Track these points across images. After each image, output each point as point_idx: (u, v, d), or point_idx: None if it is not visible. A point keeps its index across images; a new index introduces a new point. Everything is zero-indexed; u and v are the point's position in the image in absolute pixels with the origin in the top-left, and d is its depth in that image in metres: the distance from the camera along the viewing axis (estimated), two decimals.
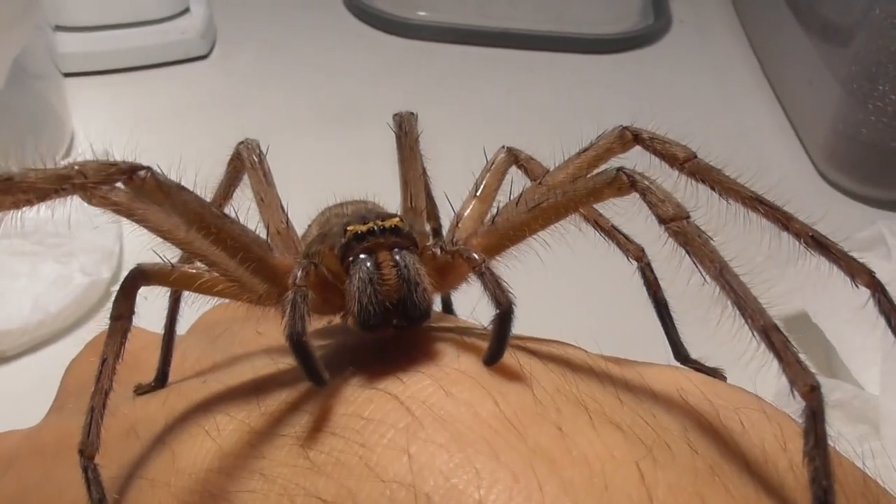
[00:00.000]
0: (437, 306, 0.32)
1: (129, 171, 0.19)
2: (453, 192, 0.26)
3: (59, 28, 0.73)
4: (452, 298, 0.34)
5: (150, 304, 0.24)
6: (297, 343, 0.18)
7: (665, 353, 0.27)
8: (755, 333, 0.17)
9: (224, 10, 0.83)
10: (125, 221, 0.21)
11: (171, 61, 0.78)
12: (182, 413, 0.23)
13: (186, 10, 0.79)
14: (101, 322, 0.41)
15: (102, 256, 0.52)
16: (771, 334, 0.17)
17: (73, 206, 0.20)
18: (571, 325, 0.24)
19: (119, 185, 0.20)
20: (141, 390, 0.27)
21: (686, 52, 0.81)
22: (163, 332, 0.28)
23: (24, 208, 0.19)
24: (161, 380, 0.28)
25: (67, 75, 0.68)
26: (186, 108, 0.72)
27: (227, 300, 0.23)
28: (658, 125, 0.23)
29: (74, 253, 0.52)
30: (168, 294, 0.28)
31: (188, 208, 0.20)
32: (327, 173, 0.25)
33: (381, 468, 0.17)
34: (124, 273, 0.22)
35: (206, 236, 0.20)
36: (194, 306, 0.26)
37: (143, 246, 0.21)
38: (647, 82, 0.76)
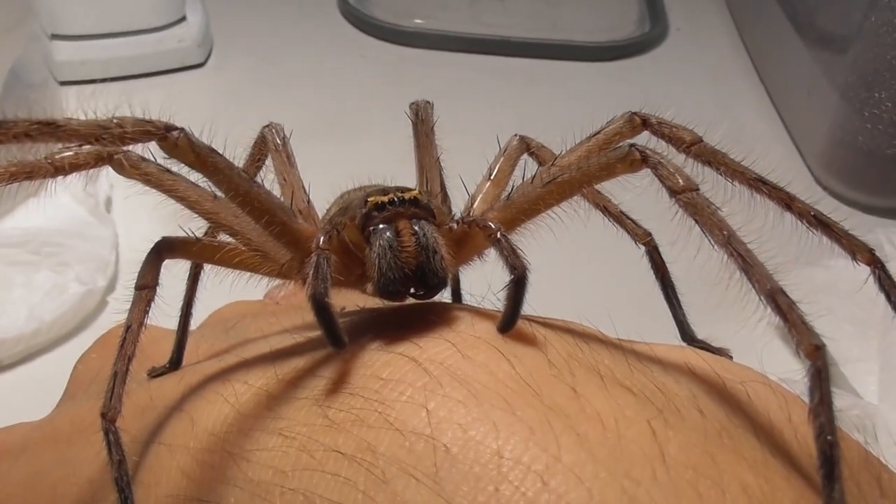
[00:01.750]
0: (446, 297, 0.34)
1: (165, 129, 0.21)
2: (467, 179, 0.28)
3: (55, 37, 0.75)
4: (461, 292, 0.35)
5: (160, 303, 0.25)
6: (320, 303, 0.19)
7: (673, 337, 0.28)
8: (762, 297, 0.19)
9: (220, 18, 0.85)
10: (119, 228, 0.22)
11: (168, 70, 0.79)
12: (199, 384, 0.24)
13: (183, 19, 0.80)
14: (97, 330, 0.42)
15: (98, 266, 0.53)
16: (777, 297, 0.18)
17: (68, 216, 0.21)
18: (582, 308, 0.25)
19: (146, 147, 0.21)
20: (155, 373, 0.29)
21: (683, 59, 0.84)
22: (180, 312, 0.29)
23: (55, 178, 0.21)
24: (176, 363, 0.29)
25: (63, 83, 0.69)
26: (182, 117, 0.73)
27: (247, 273, 0.24)
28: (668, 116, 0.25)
29: (69, 262, 0.53)
30: (186, 277, 0.29)
31: (218, 170, 0.22)
32: (326, 181, 0.26)
33: (399, 422, 0.19)
34: (119, 283, 0.23)
35: (234, 199, 0.22)
36: (211, 293, 0.28)
37: (139, 256, 0.23)
38: (644, 90, 0.78)
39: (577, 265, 0.52)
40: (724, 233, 0.20)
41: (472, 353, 0.20)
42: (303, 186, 0.28)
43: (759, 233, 0.21)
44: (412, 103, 0.29)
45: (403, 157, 0.30)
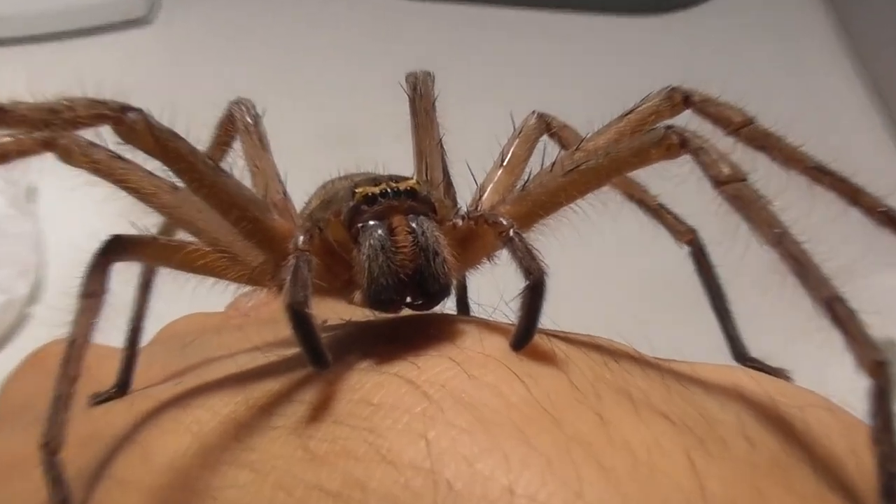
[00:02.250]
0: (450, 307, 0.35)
1: (121, 111, 0.22)
2: (475, 165, 0.29)
3: None
4: (468, 301, 0.36)
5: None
6: (299, 314, 0.21)
7: (722, 354, 0.29)
8: (817, 305, 0.20)
9: None
10: (41, 238, 0.24)
11: (106, 25, 0.81)
12: (153, 412, 0.25)
13: None
14: (18, 350, 0.43)
15: (19, 271, 0.55)
16: (835, 305, 0.20)
17: None
18: (611, 320, 0.27)
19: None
20: (99, 398, 0.30)
21: (747, 10, 0.84)
22: (128, 325, 0.30)
23: None
24: (123, 386, 0.30)
25: None
26: (125, 84, 0.75)
27: (212, 278, 0.26)
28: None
29: None
30: (135, 283, 0.30)
31: (180, 157, 0.23)
32: (306, 168, 0.27)
33: (394, 454, 0.20)
34: (44, 291, 0.25)
35: (198, 191, 0.23)
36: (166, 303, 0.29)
37: (72, 258, 0.24)
38: (698, 48, 0.78)
39: (605, 269, 0.53)
40: (776, 230, 0.21)
41: (479, 374, 0.21)
42: (278, 175, 0.29)
43: (817, 230, 0.22)
44: (409, 74, 0.31)
45: (399, 133, 0.32)
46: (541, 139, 0.30)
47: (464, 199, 0.30)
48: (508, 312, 0.24)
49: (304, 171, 0.30)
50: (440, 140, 0.30)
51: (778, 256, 0.21)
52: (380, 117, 0.33)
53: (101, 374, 0.31)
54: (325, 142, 0.65)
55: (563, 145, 0.29)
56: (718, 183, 0.22)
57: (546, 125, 0.30)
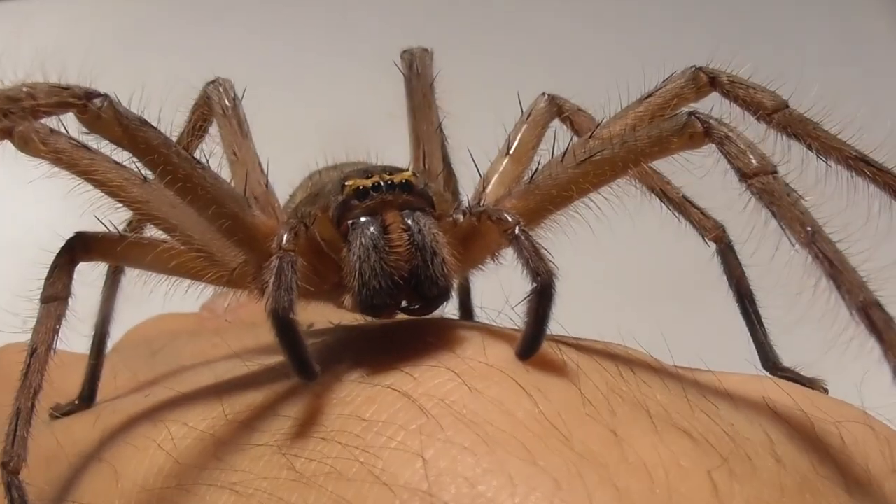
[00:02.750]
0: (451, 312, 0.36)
1: (85, 98, 0.23)
2: (479, 152, 0.30)
3: None
4: (472, 305, 0.37)
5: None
6: (283, 321, 0.21)
7: (749, 363, 0.30)
8: (852, 311, 0.21)
9: None
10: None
11: None
12: (121, 427, 0.26)
13: None
14: None
15: None
16: (871, 312, 0.21)
17: None
18: (628, 325, 0.28)
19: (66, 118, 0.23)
20: (60, 410, 0.31)
21: None
22: (93, 331, 0.31)
23: None
24: (87, 397, 0.31)
25: None
26: (84, 57, 0.76)
27: (186, 278, 0.27)
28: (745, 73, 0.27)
29: None
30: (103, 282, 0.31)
31: (151, 147, 0.24)
32: (289, 155, 0.28)
33: (388, 475, 0.20)
34: None
35: (171, 184, 0.24)
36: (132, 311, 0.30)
37: (26, 257, 0.25)
38: (732, 14, 0.78)
39: (622, 268, 0.53)
40: (808, 228, 0.22)
41: (482, 386, 0.22)
42: (259, 164, 0.30)
43: (855, 226, 0.23)
44: (404, 52, 0.31)
45: (394, 116, 0.32)
46: (551, 124, 0.30)
47: (466, 190, 0.31)
48: (515, 317, 0.25)
49: (289, 158, 0.31)
50: (439, 125, 0.31)
51: (809, 257, 0.22)
52: (373, 98, 0.33)
53: (64, 383, 0.32)
54: (312, 125, 0.65)
55: (576, 131, 0.30)
56: (745, 176, 0.23)
57: (557, 109, 0.30)
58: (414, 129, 0.31)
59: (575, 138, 0.27)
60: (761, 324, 0.30)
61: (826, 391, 0.29)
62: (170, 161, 0.24)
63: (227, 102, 0.31)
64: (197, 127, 0.32)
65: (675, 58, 0.28)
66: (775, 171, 0.23)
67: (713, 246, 0.30)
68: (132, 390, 0.31)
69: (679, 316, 0.46)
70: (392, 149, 0.31)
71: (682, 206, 0.30)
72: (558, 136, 0.29)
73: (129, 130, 0.24)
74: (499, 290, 0.28)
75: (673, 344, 0.28)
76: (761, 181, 0.23)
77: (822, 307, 0.22)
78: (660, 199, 0.29)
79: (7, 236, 0.59)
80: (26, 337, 0.25)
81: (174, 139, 0.32)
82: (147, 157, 0.24)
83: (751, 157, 0.23)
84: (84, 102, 0.23)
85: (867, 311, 0.21)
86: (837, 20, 0.81)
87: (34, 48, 0.25)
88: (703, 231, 0.30)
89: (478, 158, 0.30)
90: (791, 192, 0.23)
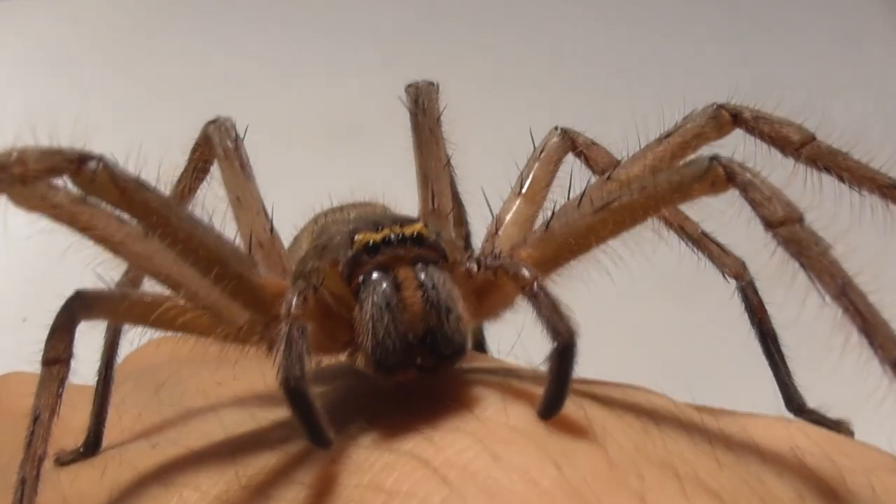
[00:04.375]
0: None
1: (78, 162, 0.23)
2: (490, 189, 0.29)
3: None
4: (485, 332, 0.37)
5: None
6: (295, 391, 0.21)
7: (774, 402, 0.30)
8: (886, 368, 0.21)
9: None
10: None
11: None
12: (129, 487, 0.26)
13: None
14: None
15: None
16: None
17: None
18: (649, 363, 0.27)
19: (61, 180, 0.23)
20: (66, 458, 0.30)
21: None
22: (95, 381, 0.31)
23: None
24: (93, 444, 0.31)
25: None
26: (72, 54, 0.76)
27: (192, 335, 0.26)
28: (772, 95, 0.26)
29: None
30: (104, 329, 0.31)
31: (149, 210, 0.23)
32: (292, 192, 0.27)
33: None
34: None
35: (172, 246, 0.24)
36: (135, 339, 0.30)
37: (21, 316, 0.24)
38: (757, 31, 0.77)
39: (641, 305, 0.53)
40: (838, 281, 0.21)
41: (504, 453, 0.22)
42: (263, 208, 0.29)
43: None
44: (409, 86, 0.31)
45: (404, 129, 0.32)
46: (565, 159, 0.30)
47: (478, 228, 0.30)
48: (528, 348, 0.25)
49: (301, 168, 0.30)
50: (448, 161, 0.30)
51: (840, 310, 0.21)
52: (383, 114, 0.33)
53: (69, 418, 0.31)
54: (324, 136, 0.65)
55: (591, 166, 0.30)
56: (771, 224, 0.22)
57: (571, 143, 0.30)
58: (421, 167, 0.30)
59: (590, 181, 0.27)
60: (785, 364, 0.30)
61: (852, 434, 0.29)
62: (169, 223, 0.24)
63: (228, 144, 0.30)
64: (198, 168, 0.32)
65: (692, 86, 0.28)
66: (802, 220, 0.22)
67: (734, 284, 0.30)
68: (138, 434, 0.31)
69: (702, 353, 0.46)
70: (402, 157, 0.31)
71: (701, 241, 0.29)
72: (574, 172, 0.29)
73: (126, 192, 0.23)
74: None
75: (695, 381, 0.27)
76: (788, 230, 0.22)
77: (854, 359, 0.22)
78: (678, 234, 0.29)
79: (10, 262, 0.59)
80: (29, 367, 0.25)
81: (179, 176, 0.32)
82: (146, 218, 0.23)
83: (776, 204, 0.22)
84: (77, 167, 0.23)
85: None
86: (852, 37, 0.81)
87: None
88: (724, 268, 0.29)
89: (489, 194, 0.30)
90: (820, 242, 0.22)
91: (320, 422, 0.21)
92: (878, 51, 0.78)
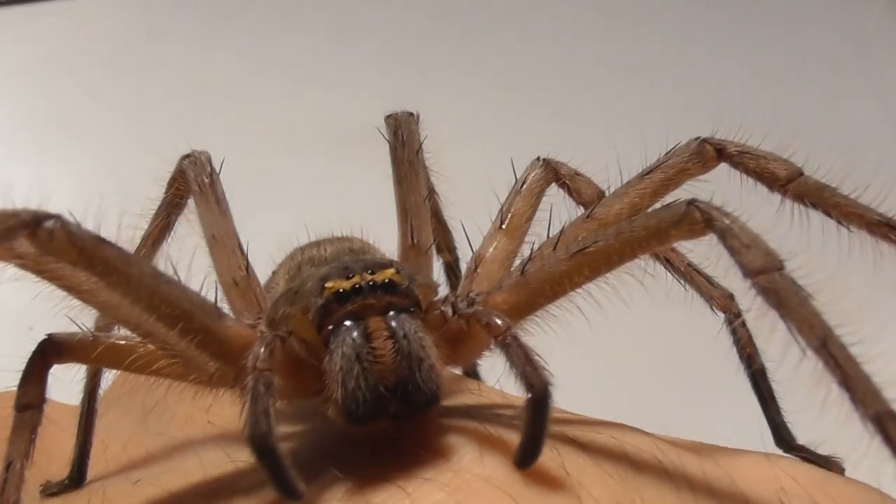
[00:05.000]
0: None
1: (34, 224, 0.22)
2: (469, 220, 0.29)
3: None
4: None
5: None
6: (262, 447, 0.21)
7: (761, 438, 0.29)
8: (867, 422, 0.20)
9: None
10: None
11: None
12: None
13: None
14: None
15: None
16: (887, 424, 0.20)
17: None
18: (631, 397, 0.27)
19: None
20: (51, 490, 0.30)
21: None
22: (79, 413, 0.30)
23: None
24: (77, 477, 0.31)
25: None
26: (60, 62, 0.76)
27: (166, 381, 0.26)
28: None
29: None
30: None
31: (109, 268, 0.23)
32: (269, 227, 0.27)
33: None
34: None
35: (136, 303, 0.23)
36: None
37: None
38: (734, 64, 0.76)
39: (623, 337, 0.52)
40: (818, 333, 0.21)
41: None
42: (239, 245, 0.29)
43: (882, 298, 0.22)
44: (388, 116, 0.30)
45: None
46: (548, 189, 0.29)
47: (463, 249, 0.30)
48: None
49: (294, 175, 0.30)
50: (428, 194, 0.30)
51: (821, 363, 0.21)
52: (368, 132, 0.33)
53: (56, 444, 0.31)
54: (318, 146, 0.65)
55: (575, 197, 0.29)
56: (749, 273, 0.22)
57: (554, 173, 0.29)
58: (401, 200, 0.30)
59: (568, 221, 0.26)
60: (774, 400, 0.29)
61: (843, 470, 0.28)
62: (130, 280, 0.23)
63: (204, 178, 0.30)
64: (172, 203, 0.31)
65: (675, 116, 0.27)
66: (782, 268, 0.22)
67: (722, 316, 0.29)
68: (122, 466, 0.31)
69: (686, 387, 0.45)
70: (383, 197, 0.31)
71: (687, 274, 0.29)
72: (555, 202, 0.29)
73: (84, 251, 0.23)
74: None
75: (678, 415, 0.27)
76: (767, 279, 0.22)
77: (838, 410, 0.21)
78: (664, 267, 0.29)
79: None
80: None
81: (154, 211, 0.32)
82: (106, 277, 0.23)
83: (755, 252, 0.22)
84: (33, 230, 0.22)
85: (882, 423, 0.20)
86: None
87: None
88: (711, 301, 0.29)
89: (469, 225, 0.29)
90: (799, 292, 0.21)
91: (289, 476, 0.21)
92: (881, 55, 0.78)
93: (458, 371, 0.35)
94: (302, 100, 0.72)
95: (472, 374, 0.36)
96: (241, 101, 0.69)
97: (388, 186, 0.31)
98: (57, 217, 0.23)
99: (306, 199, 0.32)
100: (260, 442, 0.21)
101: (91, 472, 0.31)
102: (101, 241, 0.23)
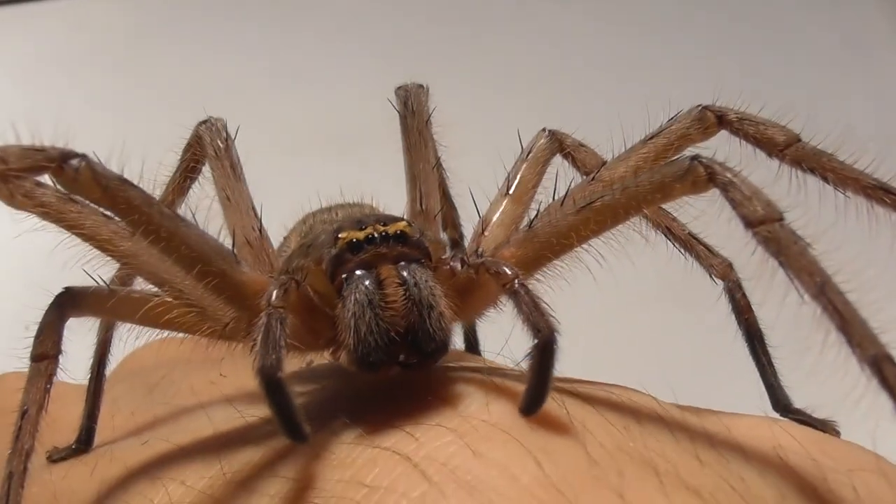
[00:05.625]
0: (457, 342, 0.36)
1: (60, 160, 0.23)
2: (478, 190, 0.30)
3: None
4: (478, 333, 0.37)
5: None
6: (270, 380, 0.21)
7: (760, 402, 0.30)
8: (864, 366, 0.21)
9: None
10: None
11: None
12: (118, 482, 0.26)
13: None
14: None
15: None
16: (884, 367, 0.20)
17: None
18: (633, 363, 0.27)
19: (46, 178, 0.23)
20: (58, 455, 0.31)
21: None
22: (88, 378, 0.31)
23: None
24: (85, 441, 0.31)
25: None
26: (70, 58, 0.76)
27: (180, 333, 0.27)
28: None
29: None
30: (97, 328, 0.31)
31: (132, 207, 0.24)
32: (283, 194, 0.28)
33: None
34: None
35: (156, 243, 0.24)
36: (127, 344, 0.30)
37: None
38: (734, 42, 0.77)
39: (626, 304, 0.53)
40: (817, 279, 0.22)
41: (485, 449, 0.22)
42: (252, 208, 0.30)
43: (876, 259, 0.22)
44: (399, 88, 0.31)
45: (395, 132, 0.32)
46: (553, 161, 0.30)
47: (466, 229, 0.30)
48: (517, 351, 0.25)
49: (296, 171, 0.31)
50: (437, 162, 0.31)
51: (819, 309, 0.22)
52: (375, 119, 0.33)
53: (63, 416, 0.32)
54: (319, 140, 0.65)
55: (578, 167, 0.30)
56: (750, 223, 0.23)
57: (559, 144, 0.30)
58: (410, 168, 0.30)
59: (576, 179, 0.27)
60: (771, 364, 0.30)
61: (838, 433, 0.29)
62: (152, 220, 0.24)
63: (219, 143, 0.31)
64: (189, 168, 0.32)
65: (678, 86, 0.28)
66: (782, 219, 0.22)
67: (721, 284, 0.30)
68: (129, 432, 0.31)
69: (687, 354, 0.46)
70: (393, 161, 0.31)
71: (688, 243, 0.29)
72: (560, 173, 0.29)
73: (109, 191, 0.23)
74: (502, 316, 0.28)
75: (680, 382, 0.27)
76: (767, 229, 0.22)
77: (834, 358, 0.22)
78: (665, 236, 0.29)
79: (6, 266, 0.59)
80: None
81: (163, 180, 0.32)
82: (129, 216, 0.24)
83: (756, 203, 0.23)
84: (59, 165, 0.23)
85: (879, 365, 0.21)
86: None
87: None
88: (710, 268, 0.30)
89: (477, 196, 0.30)
90: (798, 241, 0.22)
91: (295, 413, 0.21)
92: (880, 53, 0.79)
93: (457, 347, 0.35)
94: (302, 100, 0.73)
95: (473, 349, 0.37)
96: (241, 101, 0.69)
97: (388, 186, 0.32)
98: (83, 156, 0.23)
99: (306, 199, 0.32)
100: (268, 374, 0.21)
101: (98, 440, 0.32)
102: (124, 181, 0.24)
